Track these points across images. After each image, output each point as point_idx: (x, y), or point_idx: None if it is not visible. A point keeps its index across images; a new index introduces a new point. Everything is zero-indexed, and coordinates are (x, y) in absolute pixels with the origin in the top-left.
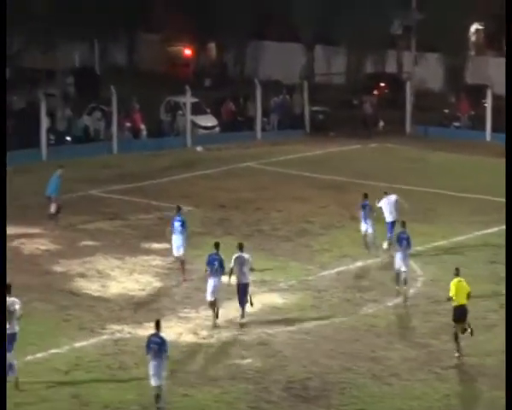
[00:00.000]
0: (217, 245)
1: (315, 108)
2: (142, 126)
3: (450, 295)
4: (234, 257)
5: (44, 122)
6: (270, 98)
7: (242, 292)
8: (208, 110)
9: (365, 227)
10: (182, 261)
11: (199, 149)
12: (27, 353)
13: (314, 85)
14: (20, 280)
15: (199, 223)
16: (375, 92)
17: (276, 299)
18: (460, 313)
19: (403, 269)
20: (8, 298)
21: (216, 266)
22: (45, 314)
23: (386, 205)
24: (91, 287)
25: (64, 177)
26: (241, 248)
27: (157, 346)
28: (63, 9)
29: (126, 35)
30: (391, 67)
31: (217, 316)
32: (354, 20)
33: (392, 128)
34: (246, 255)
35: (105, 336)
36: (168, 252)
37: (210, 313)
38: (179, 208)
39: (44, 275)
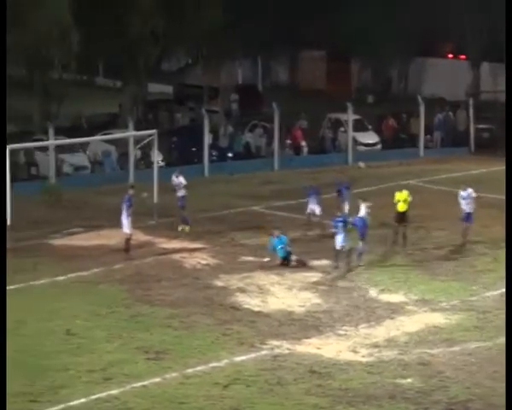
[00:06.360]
0: None
1: (480, 126)
2: (303, 143)
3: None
4: None
5: (207, 138)
6: (434, 115)
7: None
8: (370, 127)
9: None
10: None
11: (361, 164)
12: (188, 366)
13: (479, 103)
14: (181, 293)
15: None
16: None
17: (437, 319)
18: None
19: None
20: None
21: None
22: (206, 328)
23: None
24: (251, 302)
25: (223, 193)
26: None
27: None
28: (227, 26)
29: (288, 52)
30: None
31: None
32: None
33: None
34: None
35: (264, 352)
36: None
37: (369, 331)
38: None
39: (205, 289)
